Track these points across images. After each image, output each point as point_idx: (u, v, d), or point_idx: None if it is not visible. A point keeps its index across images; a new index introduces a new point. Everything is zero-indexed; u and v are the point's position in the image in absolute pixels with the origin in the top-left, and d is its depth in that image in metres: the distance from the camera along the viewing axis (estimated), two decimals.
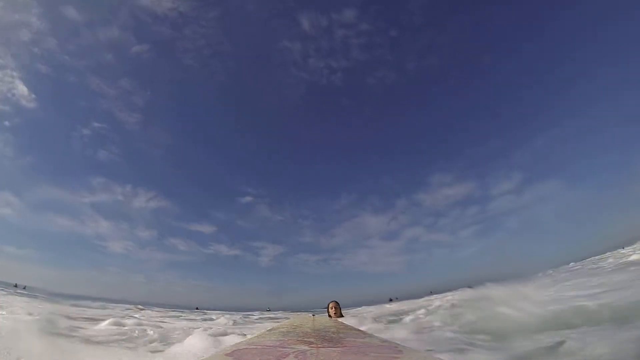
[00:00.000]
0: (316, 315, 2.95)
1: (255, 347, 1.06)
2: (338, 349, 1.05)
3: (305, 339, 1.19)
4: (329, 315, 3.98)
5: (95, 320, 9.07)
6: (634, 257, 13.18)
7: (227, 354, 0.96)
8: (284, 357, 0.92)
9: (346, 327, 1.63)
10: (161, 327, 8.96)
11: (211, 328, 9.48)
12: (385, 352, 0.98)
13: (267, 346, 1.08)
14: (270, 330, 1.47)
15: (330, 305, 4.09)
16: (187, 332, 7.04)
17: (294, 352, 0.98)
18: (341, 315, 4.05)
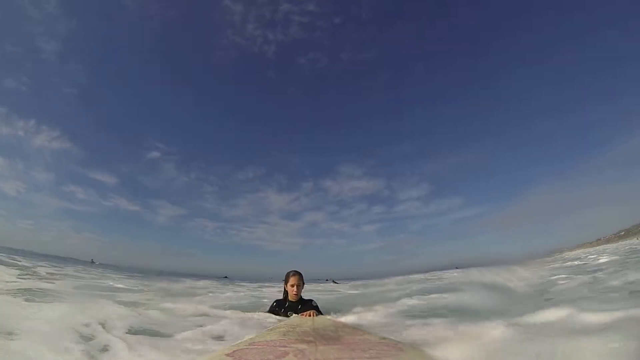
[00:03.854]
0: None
1: (255, 347, 1.06)
2: (337, 346, 1.05)
3: (305, 338, 1.19)
4: (288, 298, 2.71)
5: None
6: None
7: (227, 354, 0.96)
8: (284, 356, 0.93)
9: (345, 325, 1.64)
10: None
11: None
12: (385, 349, 0.99)
13: (267, 346, 1.08)
14: (270, 330, 1.47)
15: (292, 281, 2.70)
16: None
17: (294, 350, 0.99)
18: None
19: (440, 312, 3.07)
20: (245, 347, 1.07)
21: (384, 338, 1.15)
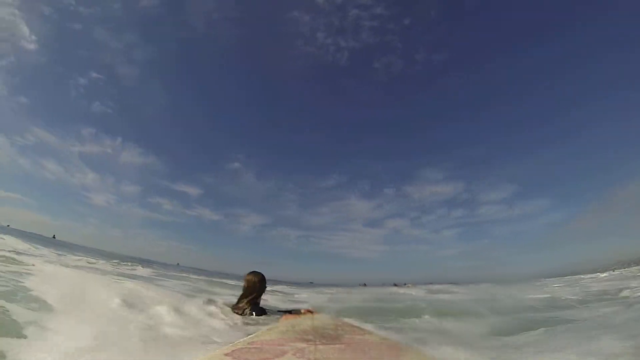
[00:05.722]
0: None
1: (254, 346, 1.05)
2: (337, 346, 1.04)
3: (304, 337, 1.18)
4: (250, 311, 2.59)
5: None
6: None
7: (226, 354, 0.95)
8: (283, 355, 0.92)
9: (345, 323, 1.62)
10: None
11: None
12: (386, 349, 0.98)
13: (266, 345, 1.07)
14: (269, 329, 1.46)
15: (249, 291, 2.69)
16: None
17: (293, 349, 0.98)
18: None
19: None
20: (244, 346, 1.06)
21: (385, 338, 1.14)
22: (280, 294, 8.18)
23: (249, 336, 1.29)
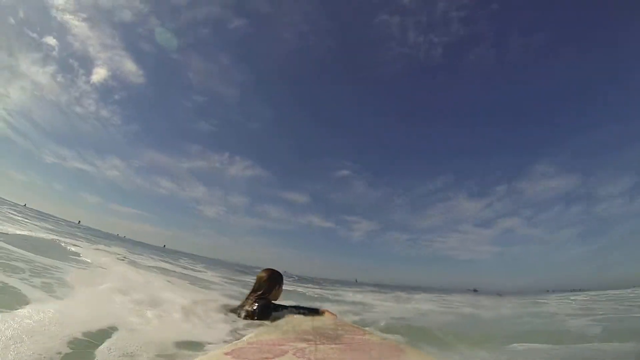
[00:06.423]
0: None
1: (254, 346, 1.05)
2: (337, 346, 1.04)
3: (304, 337, 1.18)
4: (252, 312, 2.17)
5: None
6: None
7: (226, 353, 0.95)
8: (283, 355, 0.91)
9: (345, 324, 1.62)
10: None
11: None
12: (386, 350, 0.97)
13: (266, 344, 1.07)
14: (269, 328, 1.46)
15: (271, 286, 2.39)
16: None
17: (293, 349, 0.97)
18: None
19: None
20: (243, 346, 1.05)
21: (385, 338, 1.14)
22: (360, 305, 6.24)
23: (249, 336, 1.29)
